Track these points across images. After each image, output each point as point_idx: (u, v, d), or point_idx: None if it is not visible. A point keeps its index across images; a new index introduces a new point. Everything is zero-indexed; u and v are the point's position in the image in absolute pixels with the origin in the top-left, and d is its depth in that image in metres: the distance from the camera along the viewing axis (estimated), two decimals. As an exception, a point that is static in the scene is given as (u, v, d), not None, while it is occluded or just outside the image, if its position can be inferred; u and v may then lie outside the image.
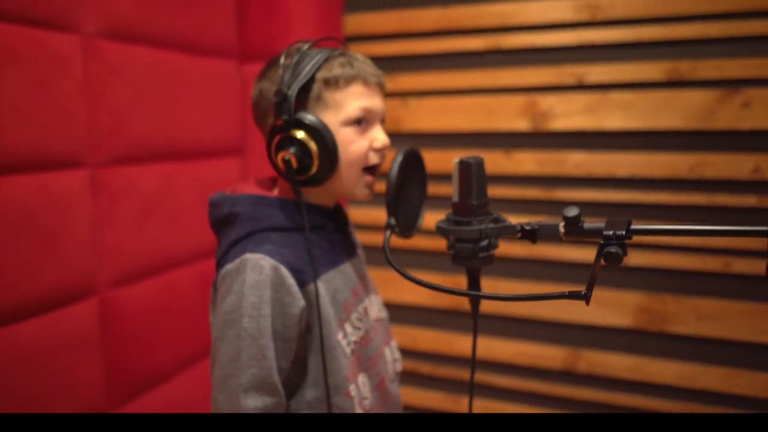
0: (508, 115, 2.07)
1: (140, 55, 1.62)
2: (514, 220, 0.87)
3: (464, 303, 2.16)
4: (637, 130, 1.93)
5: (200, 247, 1.85)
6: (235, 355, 0.86)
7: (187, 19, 1.76)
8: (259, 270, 0.86)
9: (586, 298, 0.71)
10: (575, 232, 0.78)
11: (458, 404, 2.26)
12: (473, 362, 0.89)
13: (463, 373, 2.22)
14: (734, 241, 1.86)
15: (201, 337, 1.87)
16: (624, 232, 0.74)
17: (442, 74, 2.12)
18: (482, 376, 2.18)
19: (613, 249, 0.73)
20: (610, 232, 0.74)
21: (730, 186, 1.87)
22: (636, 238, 0.74)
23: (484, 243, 0.84)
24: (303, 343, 0.92)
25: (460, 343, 2.23)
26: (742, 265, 1.87)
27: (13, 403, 1.29)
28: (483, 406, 2.21)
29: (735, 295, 1.89)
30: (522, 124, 2.06)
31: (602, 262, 0.73)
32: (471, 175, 0.83)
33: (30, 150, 1.34)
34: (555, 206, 2.05)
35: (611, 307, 2.03)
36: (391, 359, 1.09)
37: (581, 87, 1.98)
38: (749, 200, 1.84)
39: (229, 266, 0.90)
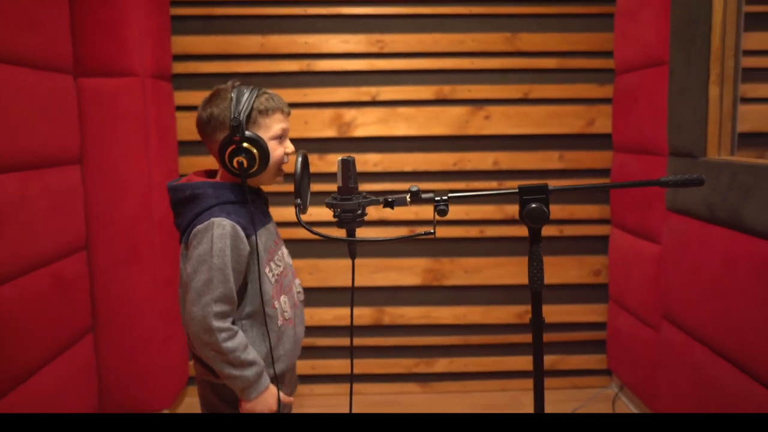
0: (319, 125, 2.57)
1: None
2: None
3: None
4: (417, 136, 2.58)
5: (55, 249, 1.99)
6: (208, 281, 1.28)
7: (33, 37, 1.89)
8: (222, 227, 1.29)
9: (433, 234, 1.22)
10: (417, 201, 1.29)
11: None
12: (352, 296, 1.35)
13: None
14: (486, 214, 2.61)
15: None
16: (447, 198, 1.27)
17: (262, 91, 2.52)
18: (309, 341, 2.63)
19: (442, 206, 1.25)
20: (439, 198, 1.27)
21: (480, 175, 2.61)
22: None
23: (360, 211, 1.31)
24: (247, 273, 1.35)
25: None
26: (492, 231, 2.62)
27: None
28: (310, 364, 2.66)
29: (488, 253, 2.65)
30: (331, 132, 2.57)
31: (437, 215, 1.25)
32: (350, 167, 1.30)
33: None
34: (360, 196, 2.59)
35: (406, 271, 2.65)
36: (296, 291, 1.53)
37: (375, 103, 2.56)
38: (492, 185, 2.60)
39: (200, 226, 1.30)
